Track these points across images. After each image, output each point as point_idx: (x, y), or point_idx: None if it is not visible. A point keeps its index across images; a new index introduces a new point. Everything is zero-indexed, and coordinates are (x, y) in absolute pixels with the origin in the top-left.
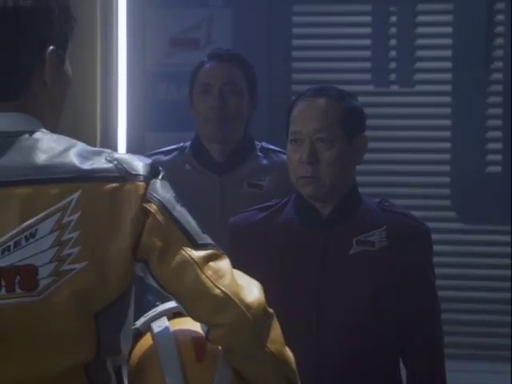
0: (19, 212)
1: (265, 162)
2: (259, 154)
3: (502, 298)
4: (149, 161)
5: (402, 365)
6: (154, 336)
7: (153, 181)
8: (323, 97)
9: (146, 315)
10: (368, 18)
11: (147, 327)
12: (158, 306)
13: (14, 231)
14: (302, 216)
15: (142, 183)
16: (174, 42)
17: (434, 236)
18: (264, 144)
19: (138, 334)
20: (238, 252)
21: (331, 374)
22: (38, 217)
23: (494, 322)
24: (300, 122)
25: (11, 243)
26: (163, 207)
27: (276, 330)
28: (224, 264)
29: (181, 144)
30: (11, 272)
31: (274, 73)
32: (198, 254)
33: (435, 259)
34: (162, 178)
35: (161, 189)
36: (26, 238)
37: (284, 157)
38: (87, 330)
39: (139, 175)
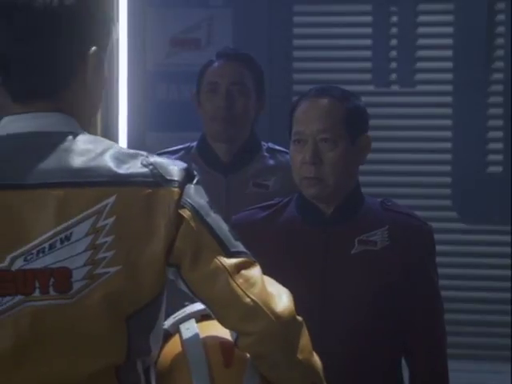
0: (55, 214)
1: (271, 162)
2: (265, 154)
3: (502, 298)
4: (184, 165)
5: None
6: (182, 340)
7: (187, 186)
8: (326, 97)
9: (174, 316)
10: (369, 18)
11: (176, 328)
12: (186, 306)
13: (50, 233)
14: (304, 215)
15: (176, 189)
16: (174, 42)
17: (435, 236)
18: (270, 145)
19: (167, 335)
20: None
21: (335, 373)
22: (73, 220)
23: (494, 322)
24: (303, 123)
25: (46, 245)
26: (196, 213)
27: (305, 338)
28: (255, 272)
29: (187, 144)
30: (45, 274)
31: (275, 73)
32: (229, 261)
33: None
34: (197, 183)
35: (195, 194)
36: (61, 241)
37: None
38: (119, 333)
39: (174, 181)
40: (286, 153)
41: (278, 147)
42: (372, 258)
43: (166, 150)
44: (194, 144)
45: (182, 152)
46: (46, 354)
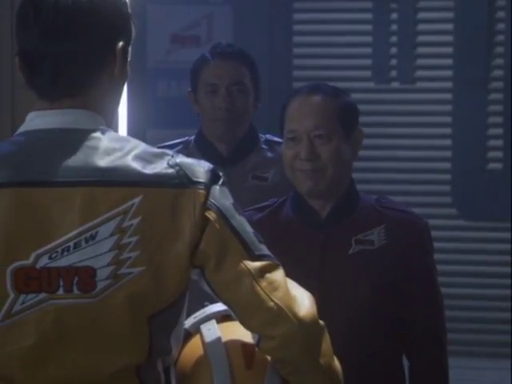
0: (80, 213)
1: (269, 154)
2: (263, 146)
3: (503, 295)
4: (210, 166)
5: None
6: (204, 341)
7: (213, 188)
8: (319, 94)
9: (195, 316)
10: (369, 15)
11: (196, 328)
12: (206, 306)
13: (75, 232)
14: (301, 216)
15: (202, 191)
16: (174, 39)
17: (435, 233)
18: (268, 136)
19: (187, 335)
20: None
21: None
22: (98, 219)
23: (495, 319)
24: (297, 120)
25: (71, 244)
26: (222, 215)
27: (326, 343)
28: (279, 275)
29: (185, 138)
30: (70, 272)
31: (275, 70)
32: (254, 264)
33: (435, 256)
34: (222, 184)
35: (220, 196)
36: (86, 240)
37: None
38: (141, 332)
39: (200, 182)
40: None
41: (275, 139)
42: (370, 258)
43: (164, 144)
44: (192, 138)
45: (180, 146)
46: (68, 352)
